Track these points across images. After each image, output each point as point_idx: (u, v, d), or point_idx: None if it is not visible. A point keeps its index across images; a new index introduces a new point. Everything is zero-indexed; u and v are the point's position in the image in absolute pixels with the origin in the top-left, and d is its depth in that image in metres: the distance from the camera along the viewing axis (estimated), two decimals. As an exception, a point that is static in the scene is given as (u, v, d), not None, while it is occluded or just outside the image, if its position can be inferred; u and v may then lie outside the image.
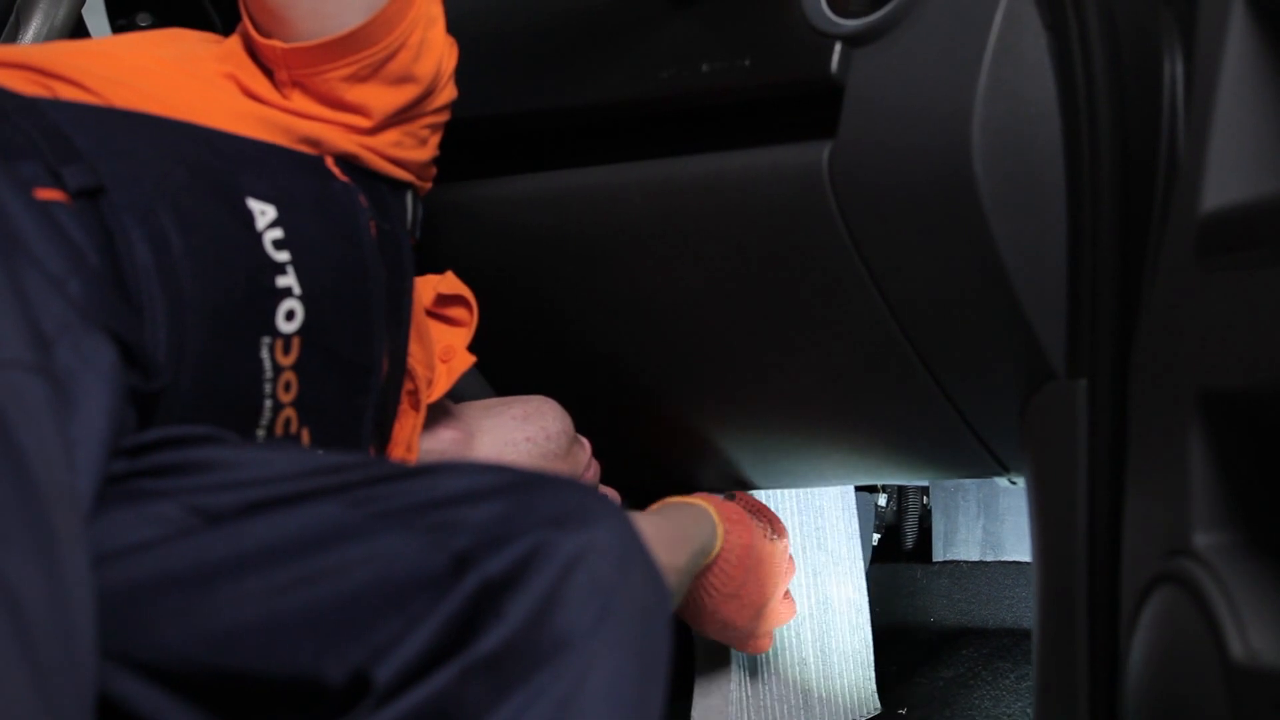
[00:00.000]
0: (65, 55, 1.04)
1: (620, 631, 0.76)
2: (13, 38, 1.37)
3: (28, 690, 0.67)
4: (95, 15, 1.57)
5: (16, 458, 0.71)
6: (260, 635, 0.77)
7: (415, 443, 1.22)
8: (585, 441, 1.40)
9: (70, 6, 1.40)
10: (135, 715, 0.79)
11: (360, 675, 0.74)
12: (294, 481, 0.83)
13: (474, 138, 1.35)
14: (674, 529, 1.32)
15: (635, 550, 0.79)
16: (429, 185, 1.23)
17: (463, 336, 1.27)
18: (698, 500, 1.40)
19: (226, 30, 1.46)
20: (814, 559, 1.68)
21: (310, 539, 0.79)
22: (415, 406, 1.20)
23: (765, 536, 1.44)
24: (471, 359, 1.26)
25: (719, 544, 1.38)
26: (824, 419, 1.41)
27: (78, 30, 1.49)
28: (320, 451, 1.04)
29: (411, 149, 1.17)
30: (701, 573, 1.38)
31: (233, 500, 0.82)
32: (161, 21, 1.53)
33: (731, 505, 1.43)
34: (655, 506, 1.43)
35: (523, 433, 1.33)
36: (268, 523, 0.80)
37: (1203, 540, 0.86)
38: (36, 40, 1.38)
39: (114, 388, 0.83)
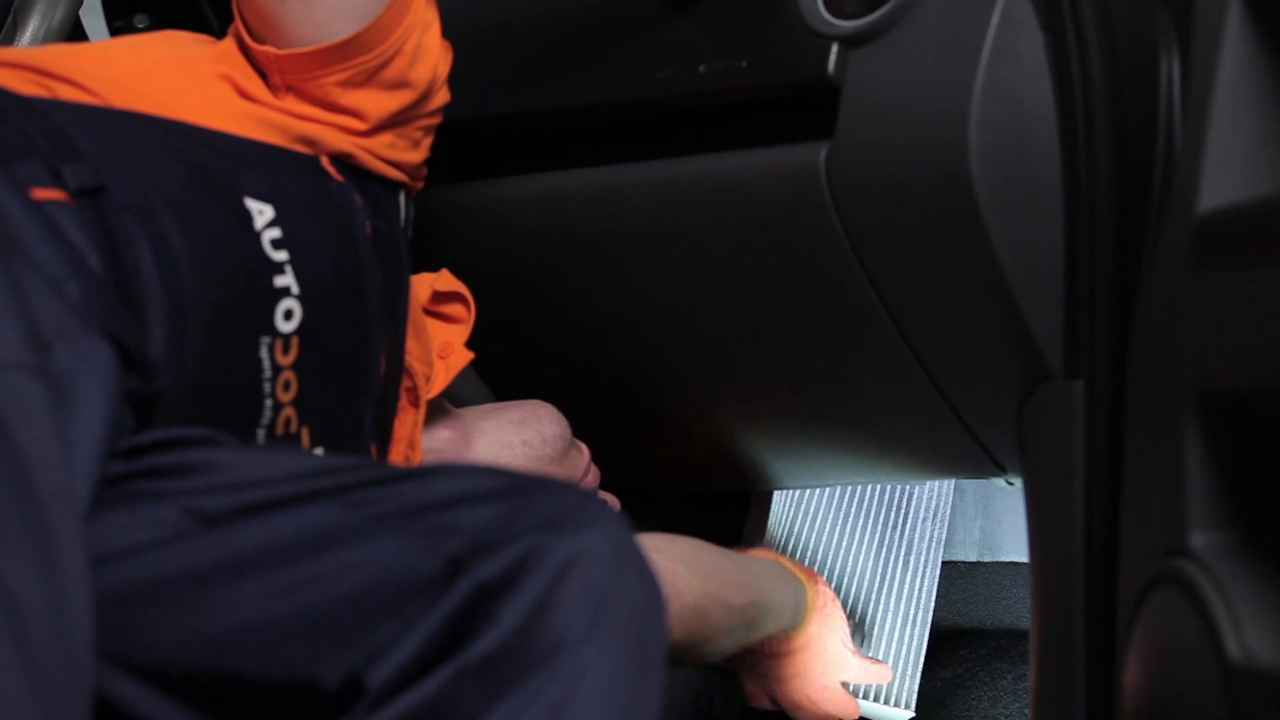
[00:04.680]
0: (64, 56, 1.05)
1: (615, 635, 0.75)
2: (10, 39, 1.37)
3: (25, 692, 0.67)
4: (93, 16, 1.57)
5: (15, 459, 0.71)
6: (256, 638, 0.77)
7: (418, 439, 1.22)
8: (583, 446, 1.40)
9: (67, 8, 1.40)
10: (132, 717, 0.79)
11: (354, 678, 0.74)
12: (290, 484, 0.83)
13: (471, 138, 1.35)
14: (744, 572, 1.30)
15: (630, 554, 0.78)
16: (420, 185, 1.23)
17: (460, 333, 1.27)
18: (799, 574, 1.39)
19: (222, 32, 1.46)
20: (889, 538, 1.71)
21: (306, 542, 0.79)
22: (415, 403, 1.20)
23: (845, 643, 1.43)
24: (470, 355, 1.26)
25: (802, 624, 1.37)
26: (820, 420, 1.41)
27: (75, 31, 1.49)
28: (319, 453, 1.04)
29: (405, 150, 1.17)
30: (774, 638, 1.38)
31: (229, 503, 0.82)
32: (158, 23, 1.53)
33: (826, 593, 1.41)
34: (754, 554, 1.42)
35: (519, 436, 1.33)
36: (264, 525, 0.80)
37: (1200, 541, 0.85)
38: (34, 41, 1.38)
39: (111, 390, 0.83)
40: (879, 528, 1.74)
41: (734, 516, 1.72)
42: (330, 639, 0.76)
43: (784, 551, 1.70)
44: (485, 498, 0.79)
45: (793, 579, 1.37)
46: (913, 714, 1.68)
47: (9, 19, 1.38)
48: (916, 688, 1.69)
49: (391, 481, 0.82)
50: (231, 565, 0.79)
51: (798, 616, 1.37)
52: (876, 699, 1.66)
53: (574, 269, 1.38)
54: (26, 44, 1.38)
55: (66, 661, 0.70)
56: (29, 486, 0.71)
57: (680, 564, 1.18)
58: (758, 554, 1.43)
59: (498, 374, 1.50)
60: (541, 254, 1.39)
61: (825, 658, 1.42)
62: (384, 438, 1.15)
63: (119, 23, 1.56)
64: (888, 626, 1.69)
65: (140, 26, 1.54)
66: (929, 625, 1.73)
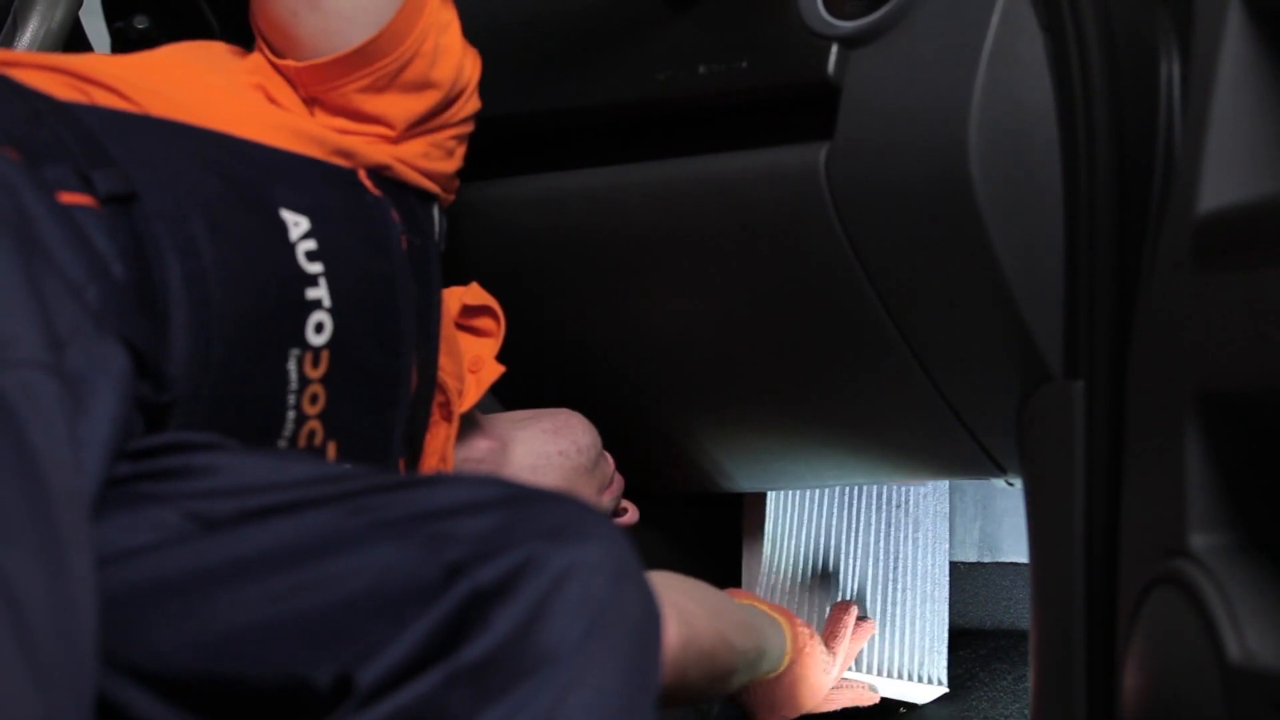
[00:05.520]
0: (104, 62, 1.05)
1: (609, 648, 0.75)
2: (9, 40, 1.37)
3: (26, 689, 0.67)
4: (93, 17, 1.57)
5: (27, 457, 0.71)
6: (254, 641, 0.77)
7: (449, 453, 1.22)
8: (608, 455, 1.40)
9: (67, 8, 1.40)
10: (128, 718, 0.79)
11: (344, 678, 0.74)
12: (293, 490, 0.83)
13: (471, 139, 1.35)
14: (745, 615, 1.29)
15: (629, 568, 0.78)
16: (451, 198, 1.23)
17: (490, 347, 1.27)
18: (780, 618, 1.39)
19: (223, 31, 1.46)
20: (894, 517, 1.72)
21: (306, 547, 0.79)
22: (447, 418, 1.20)
23: (825, 669, 1.43)
24: (500, 369, 1.26)
25: (784, 666, 1.37)
26: (821, 420, 1.41)
27: (75, 32, 1.48)
28: (332, 462, 1.03)
29: (439, 160, 1.17)
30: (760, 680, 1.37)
31: (231, 507, 0.82)
32: (158, 23, 1.53)
33: (804, 632, 1.41)
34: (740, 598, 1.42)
35: (555, 446, 1.33)
36: (265, 530, 0.80)
37: (1200, 541, 0.86)
38: (34, 42, 1.38)
39: (122, 393, 0.83)
40: (884, 508, 1.75)
41: (734, 517, 1.72)
42: (328, 643, 0.76)
43: (792, 544, 1.70)
44: (487, 507, 0.78)
45: (775, 622, 1.37)
46: (945, 689, 1.68)
47: (9, 20, 1.38)
48: (945, 663, 1.70)
49: (395, 489, 0.82)
50: (231, 569, 0.79)
51: (783, 658, 1.36)
52: (908, 678, 1.67)
53: (573, 270, 1.38)
54: (26, 45, 1.38)
55: (69, 661, 0.70)
56: (40, 484, 0.71)
57: (695, 603, 1.17)
58: (738, 597, 1.43)
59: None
60: (541, 255, 1.39)
61: (811, 686, 1.42)
62: (415, 452, 1.15)
63: (119, 23, 1.56)
64: (908, 606, 1.70)
65: (140, 27, 1.54)
66: (948, 600, 1.74)
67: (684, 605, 1.14)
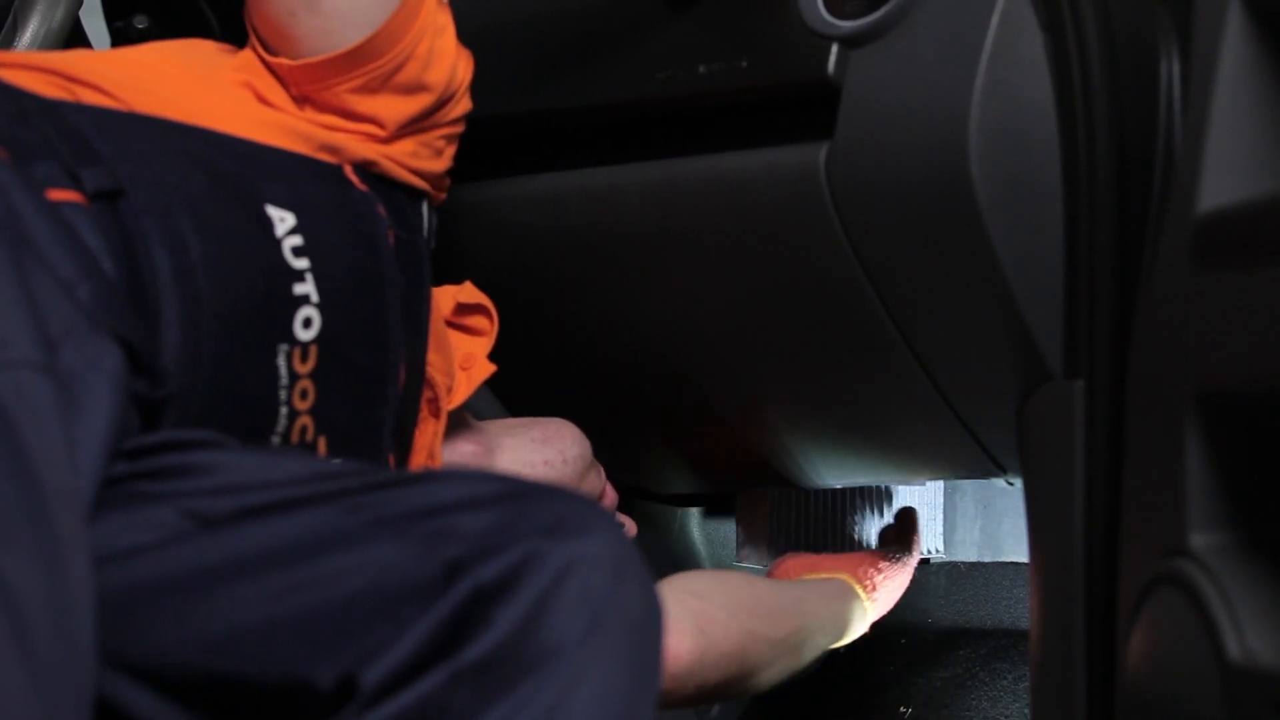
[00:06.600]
0: (88, 60, 1.05)
1: (611, 643, 0.75)
2: (9, 40, 1.37)
3: (26, 691, 0.67)
4: (93, 17, 1.57)
5: (21, 457, 0.71)
6: (254, 640, 0.77)
7: (438, 449, 1.22)
8: (600, 467, 1.40)
9: (67, 8, 1.40)
10: (128, 718, 0.79)
11: (348, 678, 0.74)
12: (291, 488, 0.83)
13: (470, 139, 1.35)
14: (785, 599, 1.28)
15: (629, 562, 0.78)
16: (443, 195, 1.23)
17: (483, 345, 1.27)
18: (841, 575, 1.37)
19: (223, 31, 1.46)
20: None
21: (305, 545, 0.79)
22: (435, 414, 1.20)
23: (904, 575, 1.45)
24: (492, 367, 1.26)
25: (869, 614, 1.38)
26: (820, 420, 1.41)
27: (75, 32, 1.48)
28: (326, 458, 1.04)
29: (428, 159, 1.17)
30: None
31: (229, 505, 0.82)
32: (158, 23, 1.53)
33: (872, 570, 1.40)
34: (794, 578, 1.40)
35: (541, 455, 1.33)
36: (263, 528, 0.80)
37: (1199, 541, 0.86)
38: (34, 42, 1.38)
39: (118, 391, 0.83)
40: None
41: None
42: (328, 642, 0.76)
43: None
44: (485, 503, 0.78)
45: (832, 590, 1.35)
46: (944, 556, 1.75)
47: (9, 19, 1.38)
48: (941, 532, 1.76)
49: (393, 486, 0.82)
50: (230, 567, 0.79)
51: (850, 623, 1.34)
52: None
53: (572, 270, 1.38)
54: (26, 45, 1.38)
55: (68, 662, 0.70)
56: (35, 484, 0.71)
57: (718, 607, 1.15)
58: (794, 567, 1.41)
59: (496, 375, 1.50)
60: (540, 255, 1.39)
61: (890, 601, 1.44)
62: (404, 448, 1.15)
63: (119, 23, 1.56)
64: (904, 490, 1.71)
65: (140, 26, 1.54)
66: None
67: (703, 611, 1.12)
